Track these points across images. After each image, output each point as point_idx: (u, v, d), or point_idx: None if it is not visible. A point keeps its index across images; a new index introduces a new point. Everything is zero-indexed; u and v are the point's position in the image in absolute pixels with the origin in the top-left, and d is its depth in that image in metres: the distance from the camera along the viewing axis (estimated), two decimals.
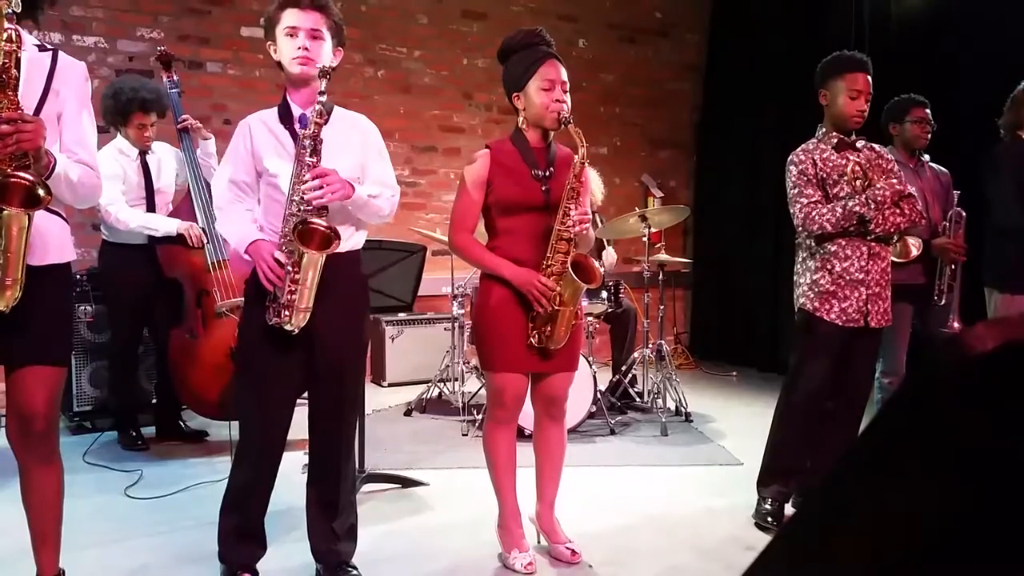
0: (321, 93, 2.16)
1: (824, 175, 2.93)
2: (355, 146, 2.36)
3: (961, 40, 4.95)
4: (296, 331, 2.22)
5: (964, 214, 3.53)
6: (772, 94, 6.19)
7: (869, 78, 2.91)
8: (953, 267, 3.52)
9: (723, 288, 6.74)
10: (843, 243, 2.89)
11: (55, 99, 1.99)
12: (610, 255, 4.93)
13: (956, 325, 3.48)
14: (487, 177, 2.55)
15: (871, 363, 3.07)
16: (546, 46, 2.58)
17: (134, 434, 4.00)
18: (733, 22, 6.73)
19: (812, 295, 2.95)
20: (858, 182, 2.90)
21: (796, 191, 2.94)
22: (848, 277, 2.89)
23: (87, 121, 2.08)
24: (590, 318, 4.54)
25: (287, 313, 2.19)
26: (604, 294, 4.66)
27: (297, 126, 2.26)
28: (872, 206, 2.82)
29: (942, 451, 0.46)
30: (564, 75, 2.53)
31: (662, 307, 4.90)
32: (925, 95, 3.75)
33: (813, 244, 2.97)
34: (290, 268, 2.17)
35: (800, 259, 3.05)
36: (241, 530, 2.40)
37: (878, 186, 2.86)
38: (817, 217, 2.87)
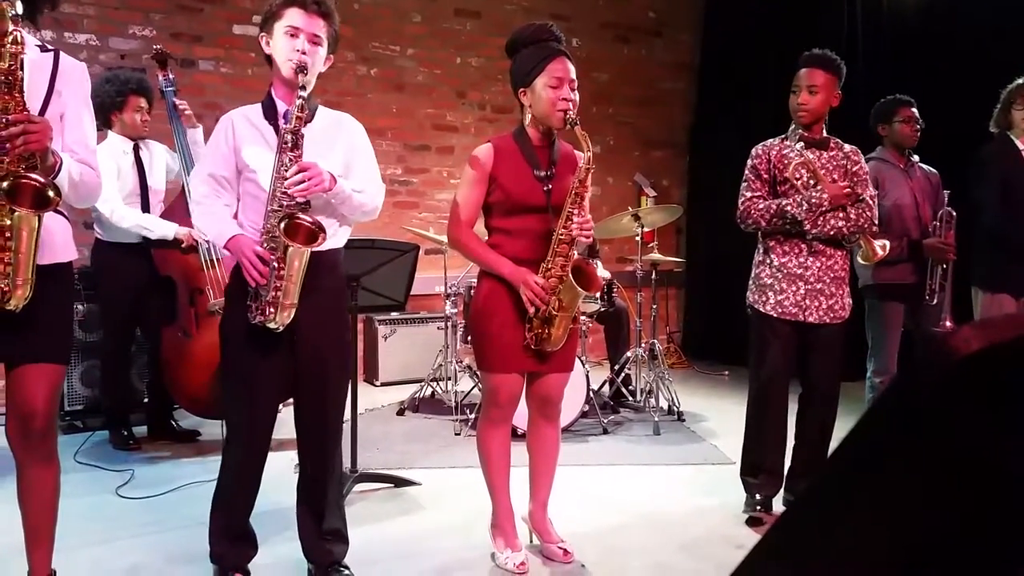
0: (302, 88, 2.16)
1: (776, 172, 2.95)
2: (340, 144, 2.34)
3: (953, 38, 4.98)
4: (280, 328, 2.19)
5: (954, 213, 3.55)
6: (765, 93, 6.20)
7: (819, 72, 2.88)
8: (944, 266, 3.54)
9: (716, 287, 6.74)
10: (782, 239, 2.94)
11: (58, 99, 2.00)
12: (601, 272, 4.85)
13: (949, 324, 3.50)
14: (491, 171, 2.51)
15: (828, 359, 2.95)
16: (556, 42, 2.55)
17: (126, 433, 3.99)
18: (726, 21, 6.73)
19: (754, 287, 3.02)
20: (799, 182, 2.90)
21: (745, 184, 3.02)
22: (785, 271, 2.92)
23: (88, 121, 2.09)
24: (583, 317, 4.54)
25: (272, 311, 2.17)
26: (597, 294, 4.67)
27: (282, 122, 2.24)
28: (804, 207, 2.83)
29: (928, 451, 0.46)
30: (573, 73, 2.50)
31: (655, 306, 4.91)
32: (917, 93, 3.76)
33: (761, 239, 3.02)
34: (275, 264, 2.16)
35: (755, 254, 3.08)
36: (230, 530, 2.40)
37: (816, 190, 2.85)
38: (753, 211, 2.95)
